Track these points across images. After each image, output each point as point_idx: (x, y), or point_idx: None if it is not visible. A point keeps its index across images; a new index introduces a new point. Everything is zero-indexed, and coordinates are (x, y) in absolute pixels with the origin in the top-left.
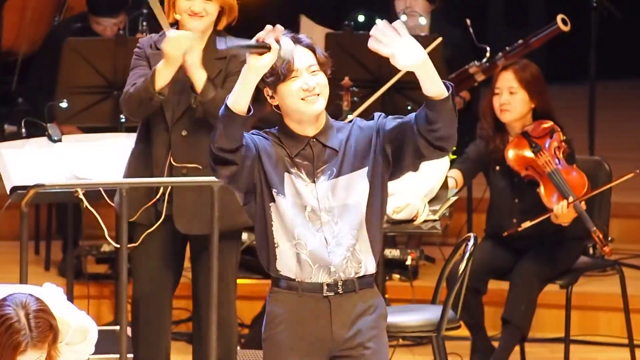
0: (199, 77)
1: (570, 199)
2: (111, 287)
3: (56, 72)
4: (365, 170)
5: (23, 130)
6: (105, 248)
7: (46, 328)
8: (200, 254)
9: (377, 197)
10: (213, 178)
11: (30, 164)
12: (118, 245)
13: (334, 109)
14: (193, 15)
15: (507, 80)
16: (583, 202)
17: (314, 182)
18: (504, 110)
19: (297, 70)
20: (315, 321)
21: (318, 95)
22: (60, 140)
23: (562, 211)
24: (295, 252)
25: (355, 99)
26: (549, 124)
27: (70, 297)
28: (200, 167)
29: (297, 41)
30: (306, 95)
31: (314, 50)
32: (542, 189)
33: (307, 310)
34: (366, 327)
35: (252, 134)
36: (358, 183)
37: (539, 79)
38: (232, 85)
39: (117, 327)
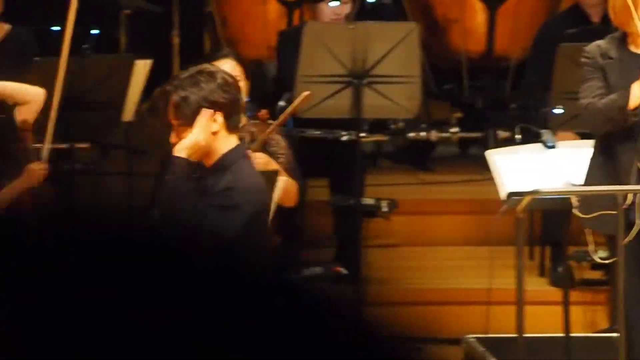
0: None
1: None
2: (606, 293)
3: (546, 75)
4: None
5: (517, 135)
6: (601, 254)
7: None
8: None
9: None
10: None
11: (523, 169)
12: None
13: None
14: None
15: None
16: None
17: None
18: None
19: None
20: None
21: None
22: (554, 147)
23: None
24: None
25: None
26: None
27: (566, 303)
28: None
29: None
30: None
31: None
32: None
33: None
34: None
35: None
36: None
37: None
38: None
39: (614, 334)
